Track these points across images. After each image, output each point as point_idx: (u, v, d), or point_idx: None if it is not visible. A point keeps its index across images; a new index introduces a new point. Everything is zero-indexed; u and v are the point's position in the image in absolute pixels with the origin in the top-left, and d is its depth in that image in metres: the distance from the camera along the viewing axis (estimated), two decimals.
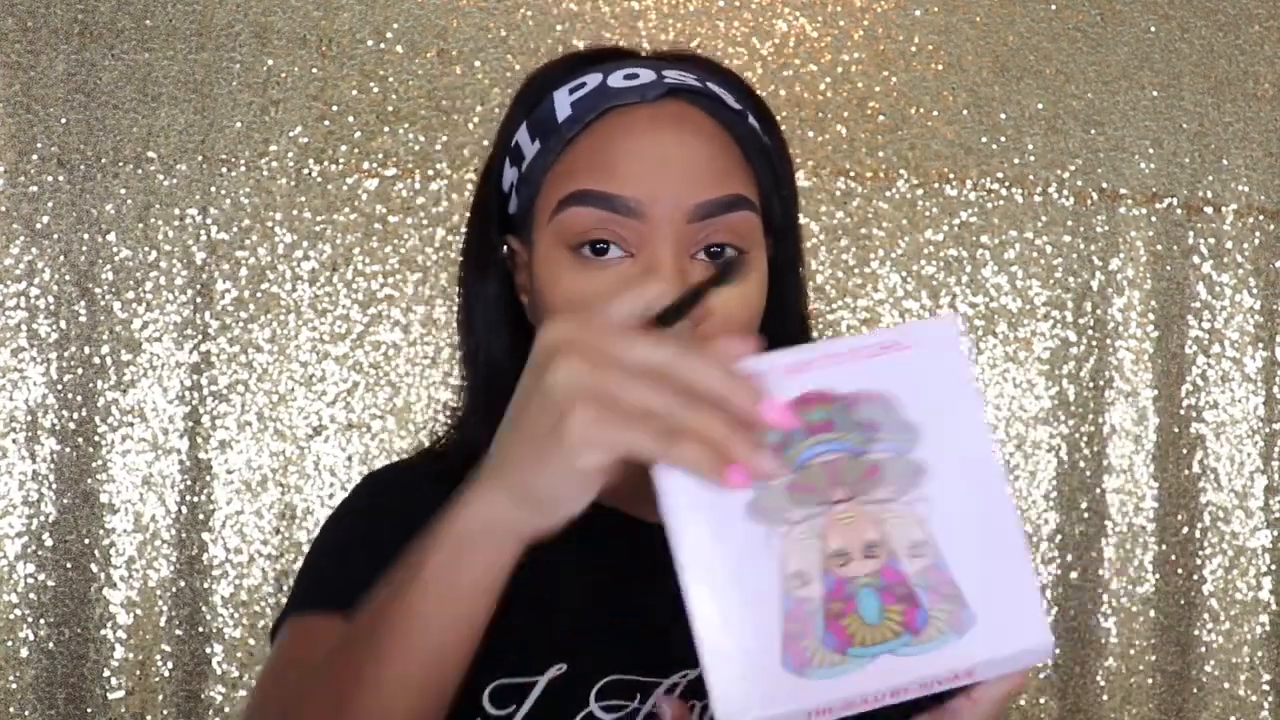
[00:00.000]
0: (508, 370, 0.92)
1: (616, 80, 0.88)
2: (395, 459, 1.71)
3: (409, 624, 0.67)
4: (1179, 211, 1.89)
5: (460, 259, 0.98)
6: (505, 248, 0.94)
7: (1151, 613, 1.87)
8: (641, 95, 0.87)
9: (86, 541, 1.68)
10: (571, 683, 0.85)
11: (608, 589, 0.90)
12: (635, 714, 0.85)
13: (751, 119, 0.91)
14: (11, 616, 1.67)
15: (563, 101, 0.88)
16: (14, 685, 1.66)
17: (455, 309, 1.01)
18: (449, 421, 0.99)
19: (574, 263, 0.86)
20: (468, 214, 0.99)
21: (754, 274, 0.88)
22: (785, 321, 0.93)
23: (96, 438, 1.69)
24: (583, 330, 0.62)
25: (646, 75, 0.88)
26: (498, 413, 0.89)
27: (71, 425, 1.69)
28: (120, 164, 1.70)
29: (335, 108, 1.73)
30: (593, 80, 0.88)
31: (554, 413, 0.61)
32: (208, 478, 1.70)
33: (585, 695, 0.85)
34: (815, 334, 1.01)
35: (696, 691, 0.86)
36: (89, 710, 1.67)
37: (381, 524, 0.88)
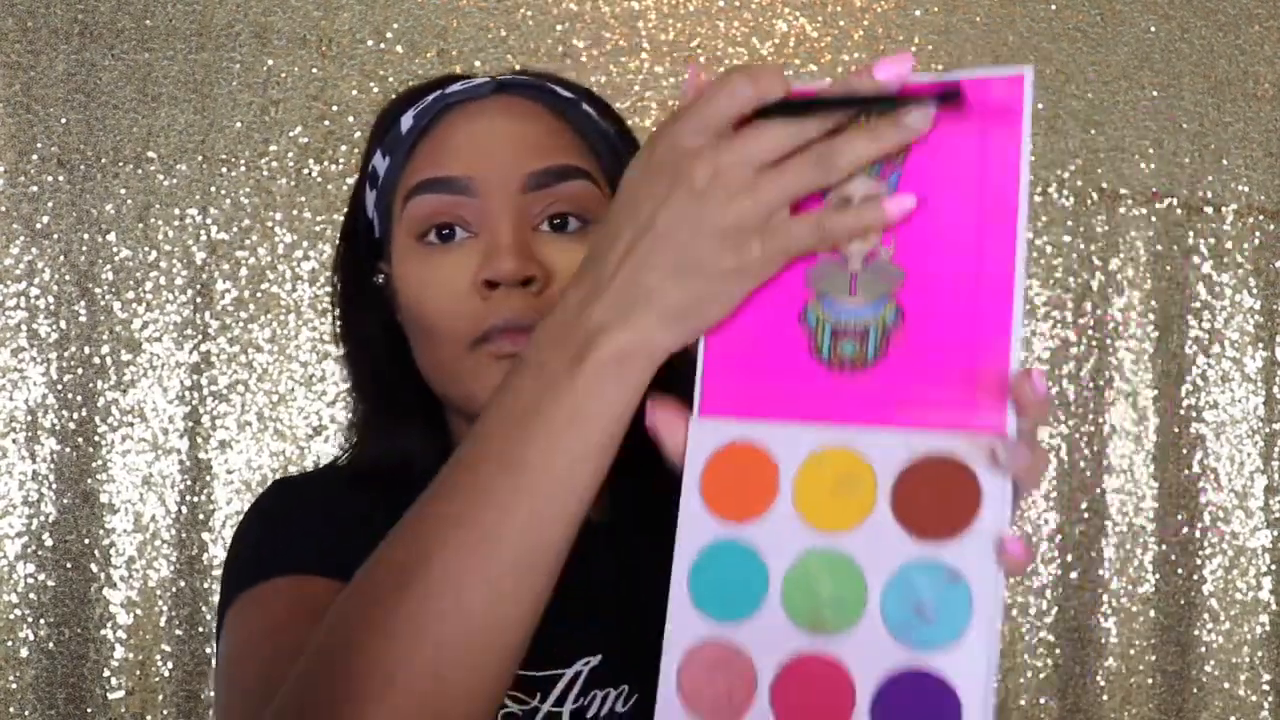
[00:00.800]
0: (401, 386, 0.95)
1: (453, 88, 0.92)
2: None
3: (549, 460, 0.63)
4: (1179, 211, 1.89)
5: (332, 294, 1.01)
6: (380, 276, 0.97)
7: (1151, 613, 1.87)
8: (473, 93, 0.91)
9: (86, 541, 1.68)
10: None
11: None
12: (535, 713, 0.85)
13: (585, 105, 0.94)
14: (11, 616, 1.67)
15: (407, 118, 0.92)
16: (14, 685, 1.67)
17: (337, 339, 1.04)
18: (344, 446, 1.02)
19: (422, 252, 0.89)
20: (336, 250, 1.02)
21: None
22: None
23: (96, 438, 1.69)
24: (701, 140, 0.61)
25: (480, 80, 0.93)
26: (400, 426, 0.94)
27: (71, 425, 1.69)
28: (120, 164, 1.70)
29: (335, 108, 1.73)
30: (432, 95, 0.93)
31: (717, 241, 0.61)
32: (208, 478, 1.70)
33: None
34: None
35: (598, 680, 0.86)
36: (89, 710, 1.67)
37: (303, 506, 0.91)
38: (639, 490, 0.90)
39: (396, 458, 0.94)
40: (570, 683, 0.87)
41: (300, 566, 0.84)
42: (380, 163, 0.94)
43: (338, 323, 1.01)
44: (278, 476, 1.01)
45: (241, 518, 0.96)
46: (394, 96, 0.99)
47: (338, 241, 1.01)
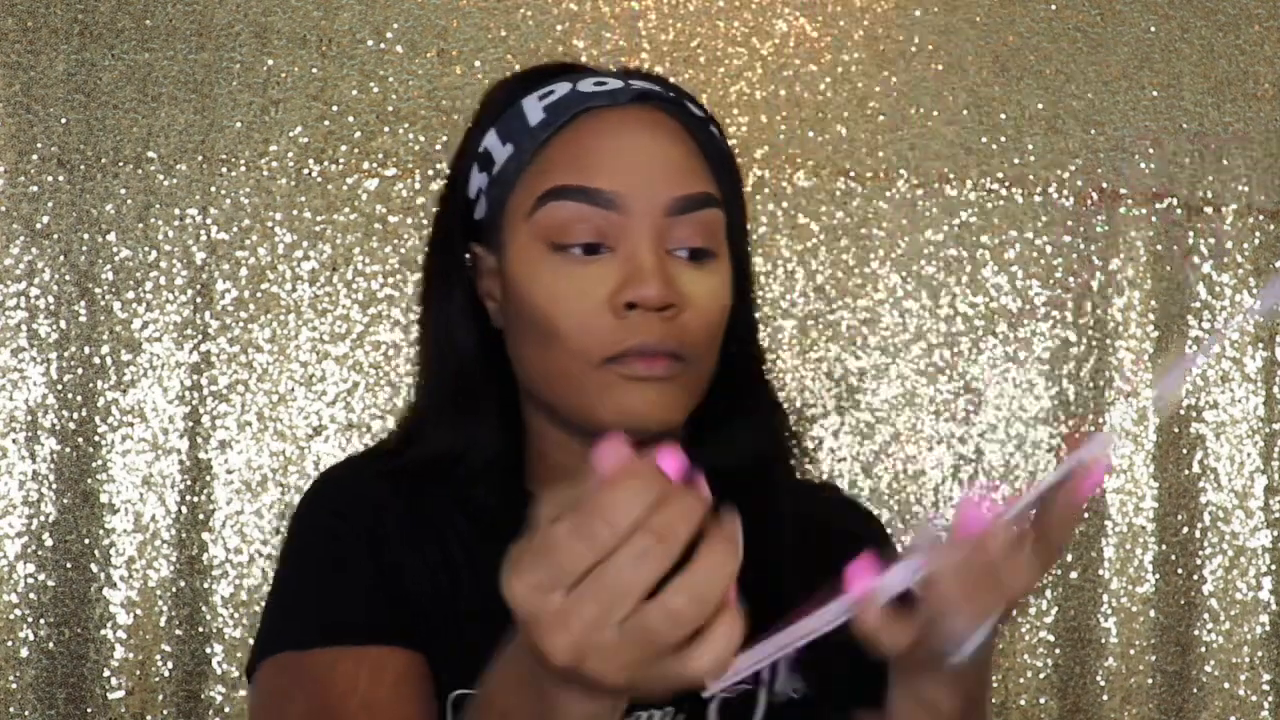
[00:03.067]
0: (475, 374, 0.94)
1: (586, 86, 0.91)
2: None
3: None
4: (1179, 211, 1.89)
5: (424, 271, 0.99)
6: (468, 255, 0.96)
7: (1151, 613, 1.87)
8: (613, 99, 0.90)
9: (86, 541, 1.68)
10: None
11: None
12: None
13: (711, 128, 0.94)
14: (11, 616, 1.67)
15: (533, 107, 0.91)
16: (14, 685, 1.67)
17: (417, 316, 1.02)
18: (403, 425, 0.99)
19: (554, 259, 0.88)
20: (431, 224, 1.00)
21: (723, 274, 0.92)
22: (735, 325, 0.96)
23: (96, 438, 1.69)
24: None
25: (615, 83, 0.91)
26: (465, 415, 0.92)
27: (71, 425, 1.69)
28: (120, 164, 1.70)
29: (335, 108, 1.73)
30: (561, 88, 0.91)
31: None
32: (208, 478, 1.70)
33: None
34: (766, 338, 1.02)
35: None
36: (89, 710, 1.67)
37: (349, 542, 0.90)
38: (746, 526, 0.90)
39: (462, 449, 0.93)
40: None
41: (335, 637, 0.86)
42: (497, 147, 0.92)
43: (420, 301, 0.99)
44: (323, 473, 0.98)
45: (288, 535, 0.95)
46: (508, 76, 0.97)
47: (435, 218, 0.99)
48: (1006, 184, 1.86)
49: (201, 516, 1.70)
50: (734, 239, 0.95)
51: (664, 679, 0.56)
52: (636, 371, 0.86)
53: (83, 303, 1.69)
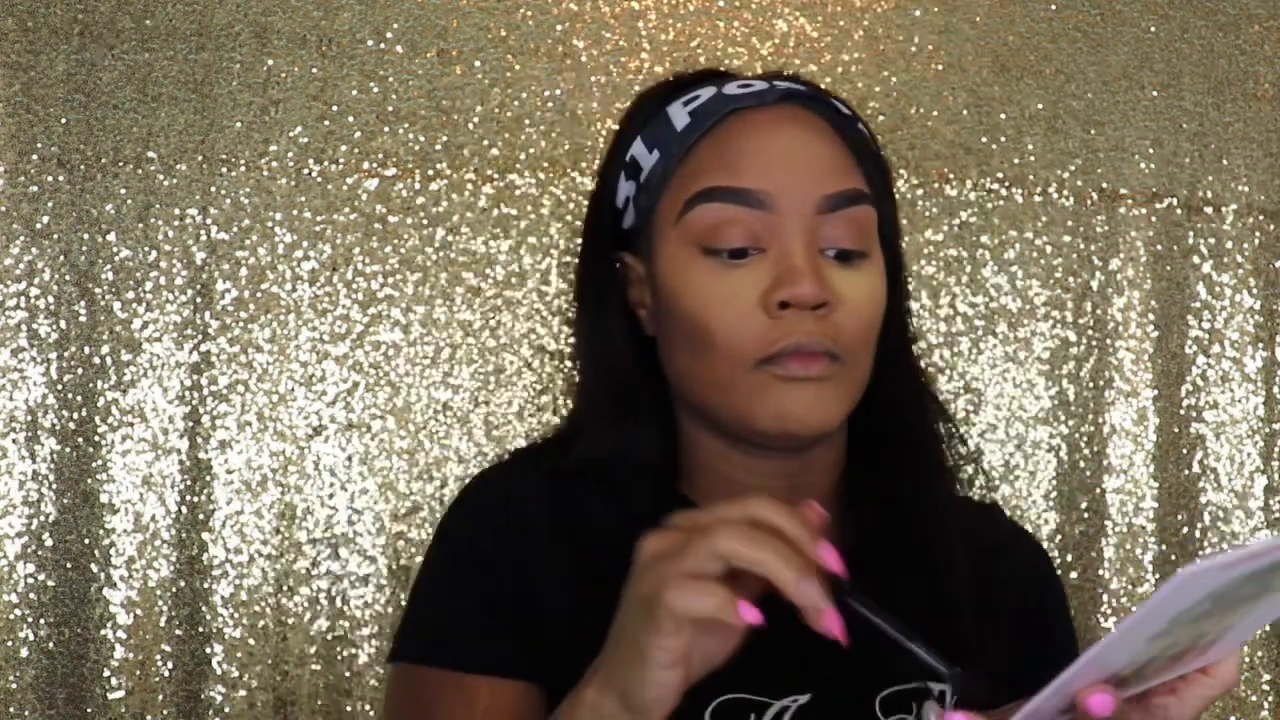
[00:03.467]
0: (632, 381, 0.94)
1: (731, 89, 0.91)
2: (398, 458, 1.71)
3: None
4: (1179, 211, 1.89)
5: (577, 279, 0.99)
6: (618, 264, 0.96)
7: None
8: (759, 99, 0.90)
9: (86, 541, 1.68)
10: (688, 698, 0.85)
11: None
12: None
13: (859, 125, 0.95)
14: (11, 616, 1.67)
15: (678, 112, 0.91)
16: (14, 685, 1.67)
17: (571, 329, 1.04)
18: (562, 429, 1.00)
19: (705, 262, 0.88)
20: (579, 237, 1.00)
21: (876, 273, 0.91)
22: (886, 331, 0.95)
23: (96, 438, 1.69)
24: (670, 539, 0.69)
25: (760, 84, 0.91)
26: (624, 420, 0.93)
27: (71, 425, 1.69)
28: (120, 164, 1.70)
29: (335, 108, 1.73)
30: (706, 92, 0.92)
31: (645, 605, 0.67)
32: (208, 478, 1.70)
33: (700, 712, 0.85)
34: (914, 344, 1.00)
35: (806, 717, 0.87)
36: (89, 710, 1.67)
37: (487, 557, 0.90)
38: (887, 517, 0.91)
39: (621, 453, 0.93)
40: (775, 717, 0.86)
41: (445, 658, 0.87)
42: (644, 154, 0.92)
43: (576, 310, 0.99)
44: (482, 472, 0.98)
45: (436, 533, 0.95)
46: (654, 85, 0.97)
47: (585, 227, 0.99)
48: (1006, 184, 1.86)
49: (201, 516, 1.70)
50: (886, 237, 0.94)
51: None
52: (793, 372, 0.86)
53: (83, 303, 1.69)
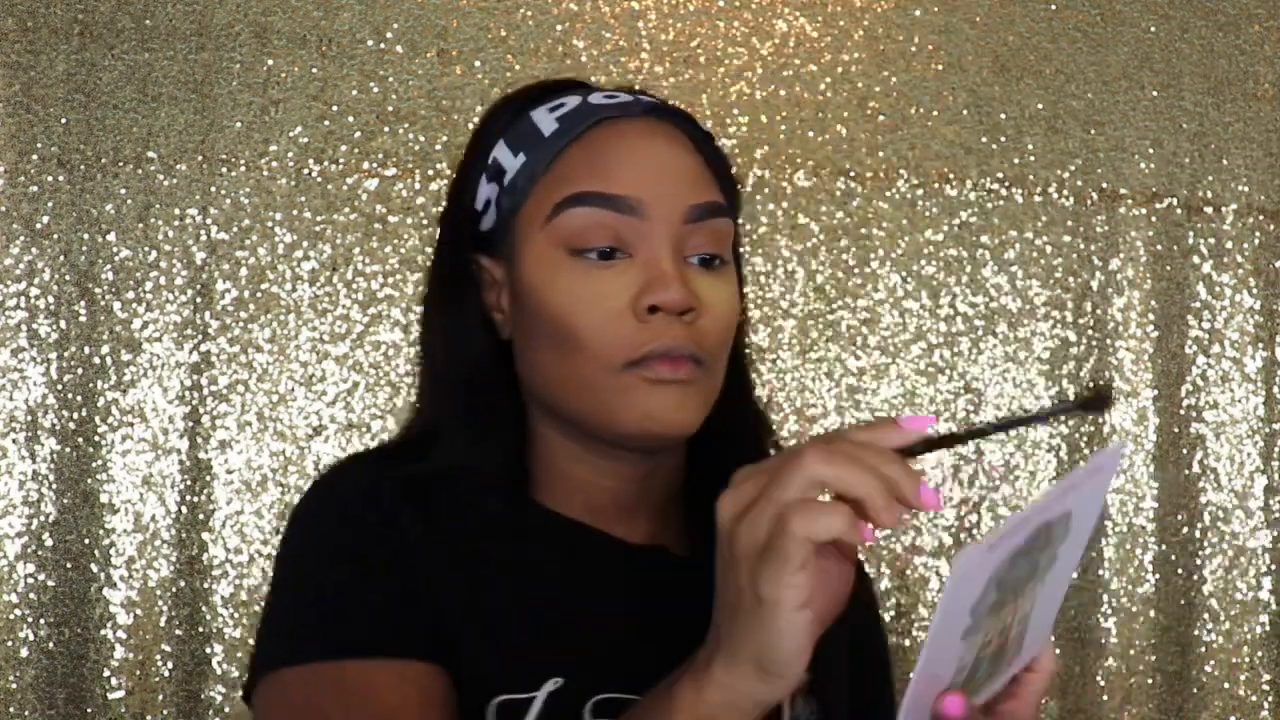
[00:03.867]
0: (488, 386, 0.94)
1: (597, 99, 0.92)
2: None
3: None
4: (1179, 211, 1.89)
5: (431, 279, 0.98)
6: (476, 268, 0.95)
7: (1151, 613, 1.87)
8: (626, 110, 0.92)
9: (86, 541, 1.68)
10: (568, 697, 0.85)
11: (603, 606, 0.91)
12: None
13: (715, 145, 0.96)
14: (11, 616, 1.67)
15: (544, 118, 0.92)
16: (14, 685, 1.67)
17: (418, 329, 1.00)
18: (407, 429, 0.98)
19: (573, 264, 0.88)
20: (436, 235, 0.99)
21: (733, 282, 0.93)
22: (736, 340, 0.97)
23: (96, 438, 1.69)
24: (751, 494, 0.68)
25: (624, 96, 0.93)
26: (479, 426, 0.92)
27: (72, 425, 1.69)
28: (120, 164, 1.70)
29: (335, 108, 1.73)
30: (572, 100, 0.93)
31: (759, 553, 0.66)
32: (208, 478, 1.70)
33: (579, 710, 0.85)
34: (766, 338, 1.02)
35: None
36: (89, 710, 1.67)
37: (372, 546, 0.88)
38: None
39: (477, 460, 0.92)
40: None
41: (336, 650, 0.84)
42: (509, 158, 0.92)
43: (424, 312, 0.98)
44: (331, 470, 0.94)
45: (285, 539, 0.92)
46: (511, 92, 0.97)
47: (441, 227, 0.99)
48: (1006, 184, 1.86)
49: (201, 516, 1.70)
50: (735, 253, 0.96)
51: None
52: (660, 374, 0.87)
53: (83, 303, 1.69)
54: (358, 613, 0.85)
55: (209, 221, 1.71)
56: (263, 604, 0.93)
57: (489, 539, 0.91)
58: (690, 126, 0.94)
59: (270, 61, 1.72)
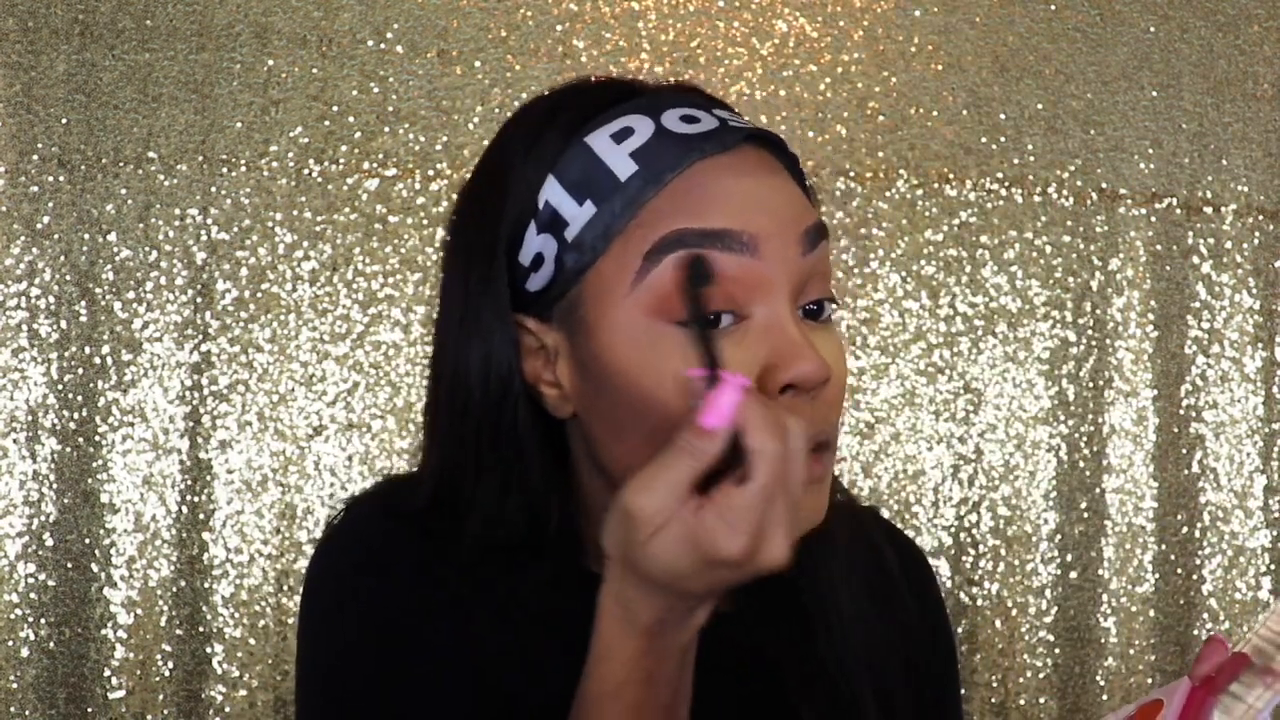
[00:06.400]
0: (538, 460, 0.80)
1: (676, 125, 0.77)
2: (398, 458, 1.71)
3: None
4: (1179, 211, 1.89)
5: (444, 300, 0.84)
6: (521, 333, 0.79)
7: (1151, 613, 1.87)
8: (722, 144, 0.77)
9: (87, 541, 1.68)
10: None
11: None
12: None
13: (801, 166, 0.85)
14: (12, 616, 1.67)
15: (614, 155, 0.76)
16: (14, 685, 1.67)
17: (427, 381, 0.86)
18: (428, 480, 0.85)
19: (676, 338, 0.73)
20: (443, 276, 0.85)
21: (838, 332, 0.80)
22: None
23: (97, 438, 1.69)
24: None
25: (707, 119, 0.78)
26: (524, 490, 0.80)
27: (72, 425, 1.69)
28: (121, 164, 1.70)
29: (335, 108, 1.73)
30: (641, 126, 0.77)
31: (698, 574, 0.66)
32: (208, 478, 1.70)
33: None
34: None
35: None
36: (89, 710, 1.67)
37: (413, 620, 0.79)
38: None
39: (525, 531, 0.80)
40: None
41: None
42: (569, 206, 0.76)
43: (439, 342, 0.84)
44: (348, 528, 0.85)
45: (324, 597, 0.82)
46: (537, 101, 0.82)
47: (458, 256, 0.82)
48: (1006, 184, 1.86)
49: (202, 516, 1.70)
50: None
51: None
52: (813, 473, 0.73)
53: (83, 303, 1.69)
54: (406, 691, 0.78)
55: (209, 221, 1.71)
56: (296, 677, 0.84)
57: (543, 607, 0.80)
58: (782, 151, 0.82)
59: (271, 62, 1.72)
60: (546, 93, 0.84)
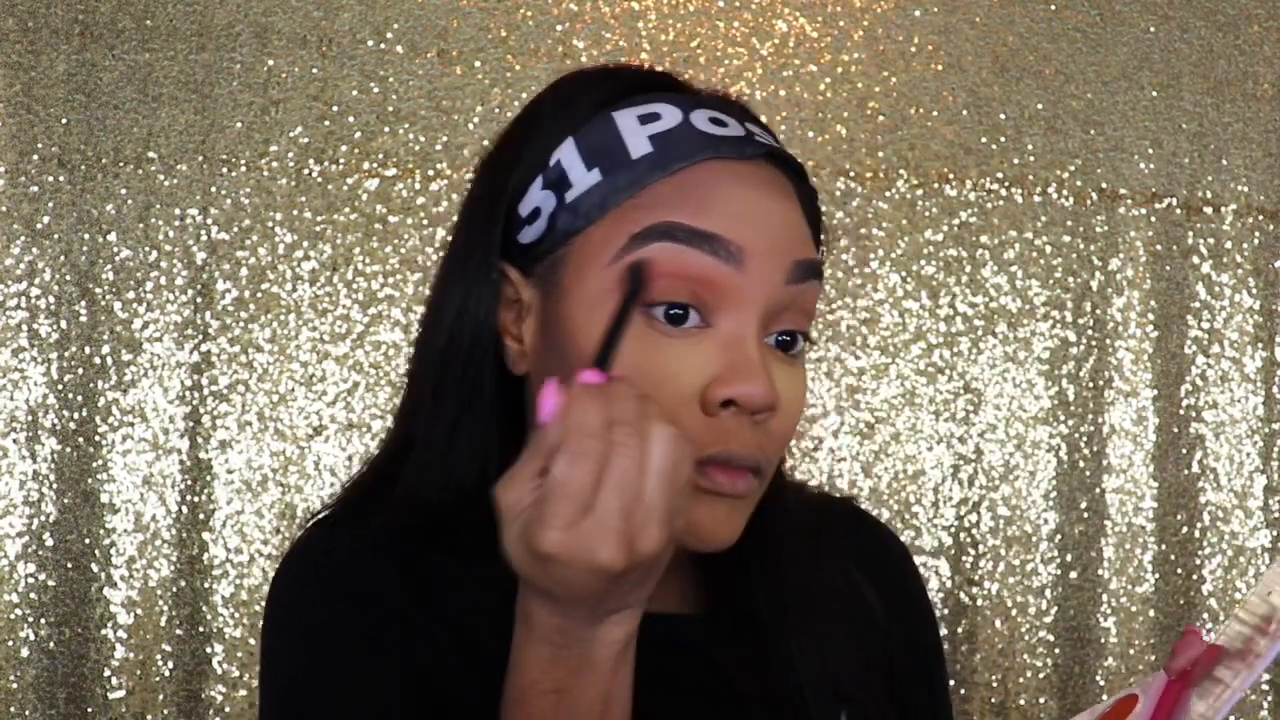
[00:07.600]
0: (492, 422, 0.80)
1: (702, 123, 0.78)
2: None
3: None
4: (1178, 211, 1.89)
5: (449, 266, 0.84)
6: (499, 278, 0.80)
7: (1151, 613, 1.87)
8: (739, 152, 0.77)
9: (87, 541, 1.68)
10: None
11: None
12: None
13: (818, 202, 0.85)
14: (12, 616, 1.67)
15: (633, 132, 0.77)
16: (14, 685, 1.67)
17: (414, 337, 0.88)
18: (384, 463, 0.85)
19: (638, 324, 0.73)
20: (460, 219, 0.87)
21: (804, 371, 0.80)
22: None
23: (97, 438, 1.69)
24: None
25: (734, 126, 0.79)
26: (473, 443, 0.80)
27: (72, 425, 1.69)
28: (121, 164, 1.70)
29: (335, 108, 1.73)
30: (669, 114, 0.78)
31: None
32: (208, 478, 1.70)
33: None
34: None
35: None
36: (89, 710, 1.67)
37: (372, 632, 0.79)
38: (753, 582, 0.82)
39: (457, 490, 0.79)
40: None
41: None
42: (579, 169, 0.77)
43: (439, 277, 0.85)
44: (307, 548, 0.85)
45: (288, 618, 0.83)
46: (584, 72, 0.83)
47: (467, 207, 0.85)
48: (1006, 184, 1.86)
49: (202, 516, 1.70)
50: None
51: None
52: (716, 484, 0.73)
53: (83, 303, 1.69)
54: (370, 708, 0.77)
55: (209, 221, 1.71)
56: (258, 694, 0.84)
57: (498, 601, 0.76)
58: (799, 180, 0.82)
59: (271, 61, 1.72)
60: (592, 67, 0.86)
